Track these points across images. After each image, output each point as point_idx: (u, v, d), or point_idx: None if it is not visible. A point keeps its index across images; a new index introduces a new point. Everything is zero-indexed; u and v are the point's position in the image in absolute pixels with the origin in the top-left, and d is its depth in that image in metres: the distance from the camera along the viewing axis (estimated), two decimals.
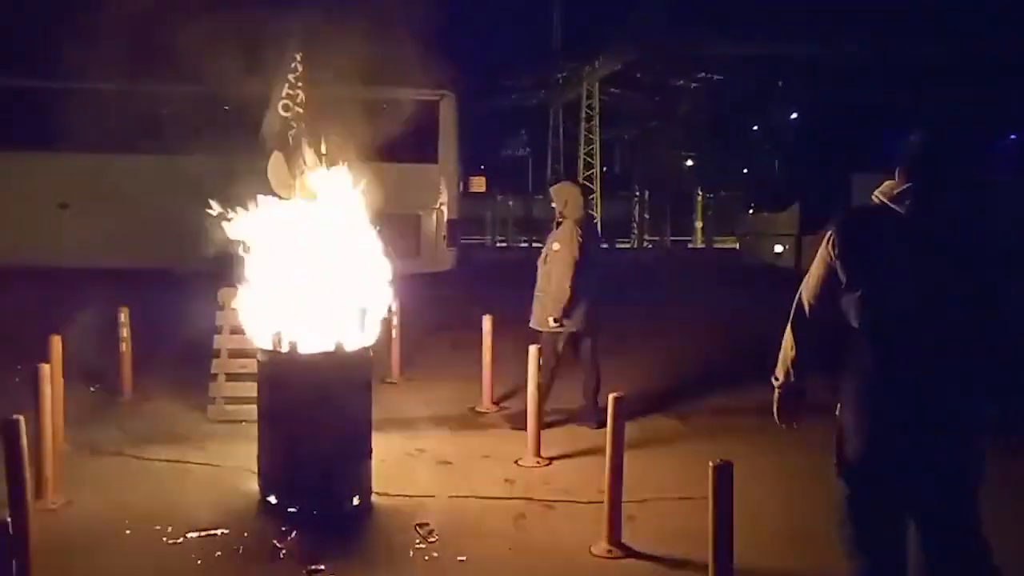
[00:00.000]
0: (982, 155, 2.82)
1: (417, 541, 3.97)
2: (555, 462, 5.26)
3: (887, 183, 2.74)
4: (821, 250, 2.81)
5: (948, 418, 2.65)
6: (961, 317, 2.62)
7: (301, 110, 7.14)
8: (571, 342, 6.13)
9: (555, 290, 5.95)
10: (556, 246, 6.04)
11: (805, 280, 2.88)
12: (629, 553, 3.86)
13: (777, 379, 2.97)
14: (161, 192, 10.86)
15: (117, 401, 6.55)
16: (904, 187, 2.68)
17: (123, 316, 6.67)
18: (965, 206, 2.68)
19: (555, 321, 5.97)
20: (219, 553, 3.81)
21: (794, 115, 17.95)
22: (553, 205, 6.33)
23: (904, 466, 2.72)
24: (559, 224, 6.17)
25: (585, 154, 36.84)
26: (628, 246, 34.48)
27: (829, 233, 2.79)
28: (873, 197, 2.75)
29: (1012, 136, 16.21)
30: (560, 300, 5.91)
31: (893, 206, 2.68)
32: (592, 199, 36.44)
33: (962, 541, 2.73)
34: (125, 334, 6.65)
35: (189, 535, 3.98)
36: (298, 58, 7.29)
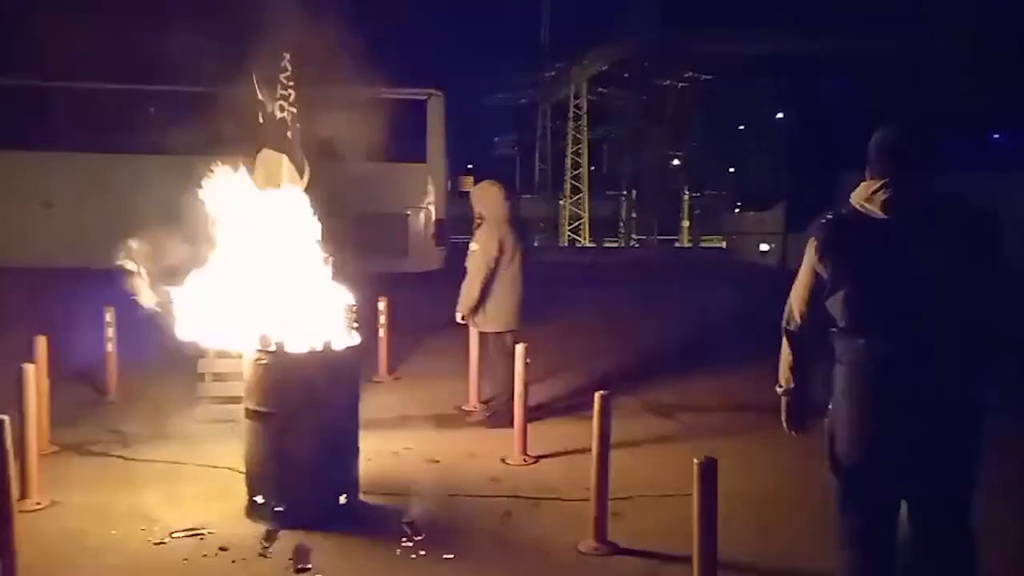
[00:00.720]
0: (942, 147, 2.85)
1: (404, 539, 3.98)
2: (541, 460, 5.28)
3: (862, 185, 2.79)
4: (806, 257, 2.86)
5: (942, 409, 2.67)
6: (952, 305, 2.66)
7: (295, 110, 7.14)
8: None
9: (464, 289, 6.07)
10: (474, 246, 6.14)
11: (793, 287, 2.92)
12: (615, 550, 3.88)
13: (780, 387, 3.01)
14: (147, 191, 10.80)
15: (103, 401, 6.52)
16: (877, 186, 2.72)
17: (109, 316, 6.64)
18: (939, 194, 2.73)
19: (462, 319, 6.12)
20: (205, 553, 3.81)
21: (780, 115, 18.05)
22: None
23: (897, 459, 2.74)
24: (479, 225, 6.25)
25: (573, 153, 36.94)
26: (616, 245, 34.57)
27: (811, 239, 2.84)
28: (851, 202, 2.79)
29: (995, 135, 16.36)
30: (468, 300, 6.04)
31: (869, 206, 2.72)
32: (583, 197, 36.60)
33: (953, 534, 2.76)
34: (111, 334, 6.62)
35: (175, 535, 3.98)
36: (287, 57, 7.28)
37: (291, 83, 7.24)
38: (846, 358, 2.79)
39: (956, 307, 2.66)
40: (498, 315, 6.10)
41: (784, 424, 3.04)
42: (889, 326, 2.69)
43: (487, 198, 6.23)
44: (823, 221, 2.85)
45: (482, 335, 6.41)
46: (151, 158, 11.23)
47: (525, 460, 5.26)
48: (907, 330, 2.67)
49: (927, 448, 2.70)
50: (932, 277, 2.64)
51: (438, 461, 5.29)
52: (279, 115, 7.21)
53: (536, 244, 34.30)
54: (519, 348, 5.43)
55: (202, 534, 3.99)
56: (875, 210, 2.71)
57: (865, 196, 2.75)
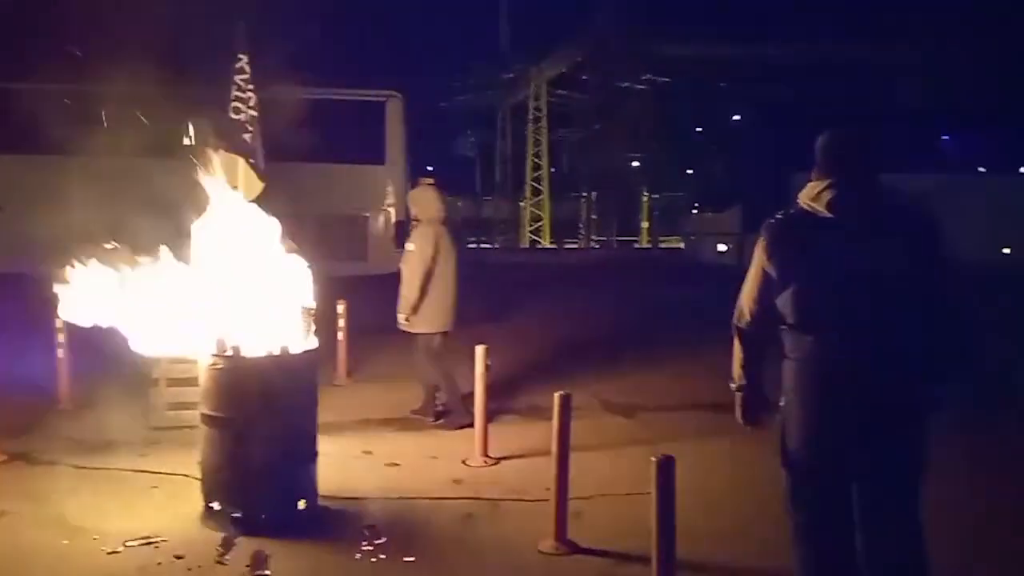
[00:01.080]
0: (892, 149, 2.95)
1: (364, 543, 3.95)
2: (503, 461, 5.29)
3: (808, 185, 2.85)
4: (755, 255, 2.92)
5: (889, 404, 2.73)
6: (896, 301, 2.72)
7: (255, 112, 7.05)
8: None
9: (405, 290, 6.14)
10: (410, 247, 6.22)
11: (743, 286, 2.98)
12: (576, 549, 3.90)
13: (733, 382, 3.06)
14: (100, 194, 10.58)
15: (54, 409, 6.37)
16: (823, 186, 2.79)
17: (59, 322, 6.49)
18: (883, 194, 2.80)
19: (405, 320, 6.15)
20: (160, 562, 3.74)
21: (737, 117, 18.33)
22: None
23: (845, 454, 2.80)
24: (415, 227, 6.34)
25: (533, 155, 37.02)
26: (576, 246, 34.71)
27: (760, 238, 2.89)
28: (798, 201, 2.85)
29: (945, 137, 16.79)
30: (409, 300, 6.10)
31: (816, 206, 2.78)
32: (543, 199, 36.69)
33: (901, 526, 2.81)
34: (62, 340, 6.48)
35: (129, 544, 3.90)
36: (245, 59, 7.18)
37: (250, 86, 7.15)
38: (795, 355, 2.84)
39: (901, 303, 2.72)
40: (431, 316, 6.14)
41: (739, 419, 3.09)
42: (836, 323, 2.75)
43: (423, 200, 6.33)
44: (771, 221, 2.91)
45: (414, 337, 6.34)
46: (105, 160, 11.01)
47: (486, 461, 5.27)
48: (853, 326, 2.72)
49: (875, 443, 2.76)
50: (877, 274, 2.71)
51: (398, 464, 5.27)
52: (236, 117, 7.13)
53: (498, 245, 34.39)
54: (479, 349, 5.42)
55: (157, 542, 3.92)
56: (821, 209, 2.77)
57: (811, 196, 2.81)
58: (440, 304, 6.14)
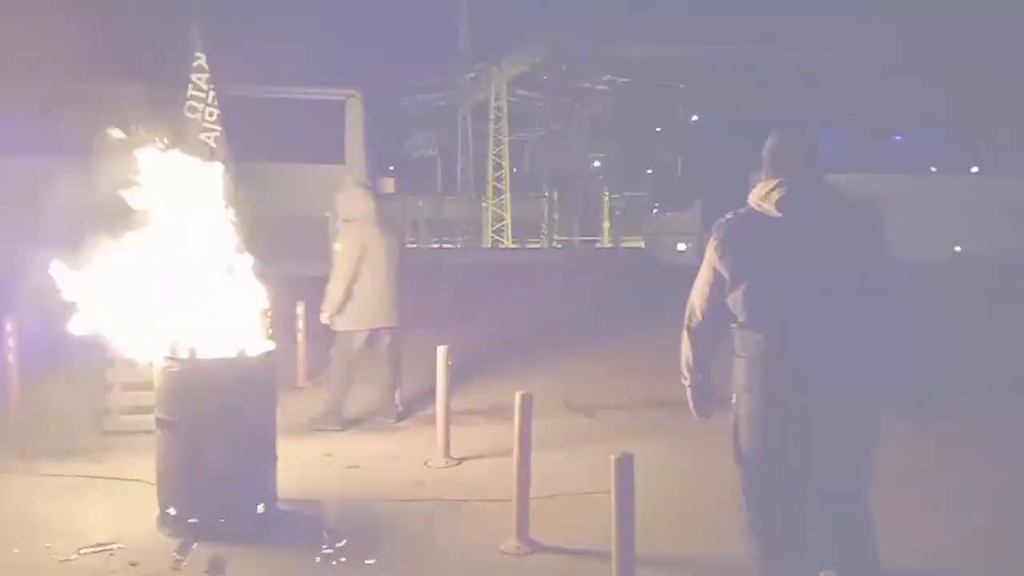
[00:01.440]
0: (845, 149, 3.04)
1: (325, 546, 3.91)
2: (465, 462, 5.28)
3: (758, 186, 2.90)
4: (706, 255, 2.97)
5: (839, 399, 2.78)
6: (845, 298, 2.77)
7: (216, 111, 6.92)
8: (369, 339, 6.25)
9: (330, 289, 6.11)
10: (338, 246, 6.19)
11: (694, 285, 3.02)
12: (537, 548, 3.91)
13: (684, 377, 3.11)
14: (40, 195, 10.27)
15: (5, 414, 6.21)
16: (772, 186, 2.84)
17: (9, 326, 6.34)
18: (828, 194, 2.85)
19: (328, 318, 6.13)
20: (115, 569, 3.67)
21: (695, 117, 18.52)
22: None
23: (797, 449, 2.84)
24: (341, 227, 6.33)
25: (494, 155, 37.04)
26: (538, 246, 34.81)
27: (712, 238, 2.93)
28: (748, 202, 2.90)
29: (898, 137, 17.14)
30: (333, 299, 6.07)
31: (765, 206, 2.83)
32: (505, 199, 36.70)
33: (853, 516, 2.88)
34: (12, 344, 6.32)
35: (83, 551, 3.82)
36: (203, 58, 7.05)
37: (212, 85, 7.02)
38: (745, 353, 2.88)
39: (849, 301, 2.78)
40: (352, 314, 6.11)
41: (692, 411, 3.16)
42: (786, 320, 2.80)
43: (351, 200, 6.32)
44: (722, 221, 2.96)
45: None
46: (37, 159, 10.66)
47: (448, 462, 5.25)
48: (803, 323, 2.77)
49: (826, 437, 2.81)
50: (825, 271, 2.76)
51: (359, 466, 5.23)
52: (191, 116, 7.02)
53: (460, 246, 34.35)
54: (440, 350, 5.41)
55: (111, 549, 3.85)
56: (770, 209, 2.82)
57: (761, 196, 2.86)
58: (364, 304, 6.10)
